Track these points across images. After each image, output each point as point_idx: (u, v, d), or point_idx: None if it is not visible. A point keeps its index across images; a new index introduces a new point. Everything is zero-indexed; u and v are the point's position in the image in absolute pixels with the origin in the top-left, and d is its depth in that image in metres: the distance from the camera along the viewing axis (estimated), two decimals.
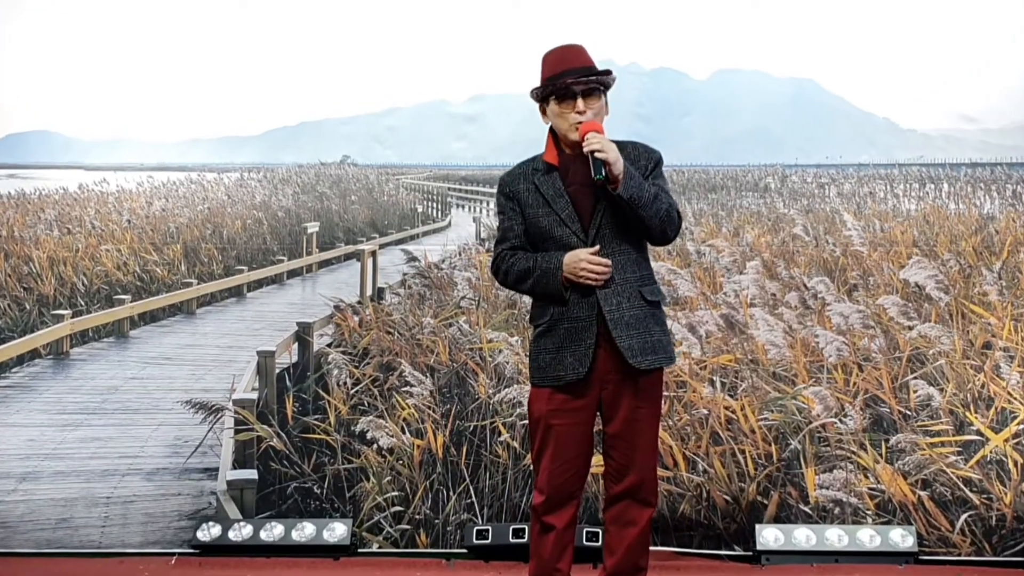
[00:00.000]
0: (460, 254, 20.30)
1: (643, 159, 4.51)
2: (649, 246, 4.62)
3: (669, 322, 8.55)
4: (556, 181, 4.47)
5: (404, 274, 17.26)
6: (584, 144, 4.33)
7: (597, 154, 4.27)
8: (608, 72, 4.49)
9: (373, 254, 18.39)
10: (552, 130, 4.57)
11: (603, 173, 4.27)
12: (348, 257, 31.69)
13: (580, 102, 4.41)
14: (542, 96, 4.54)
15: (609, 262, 4.34)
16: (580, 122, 4.42)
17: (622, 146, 4.51)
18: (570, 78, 4.42)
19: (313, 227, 29.77)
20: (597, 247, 4.35)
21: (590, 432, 4.52)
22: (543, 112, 4.58)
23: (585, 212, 4.42)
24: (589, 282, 4.29)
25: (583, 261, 4.31)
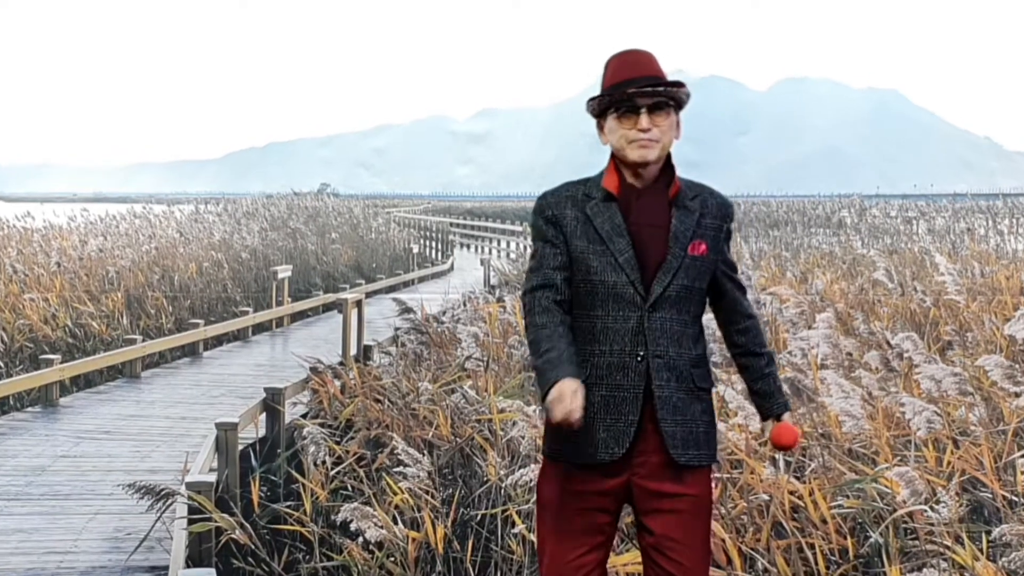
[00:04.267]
0: (465, 305, 20.47)
1: (719, 217, 4.50)
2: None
3: (721, 387, 8.62)
4: (616, 215, 4.41)
5: (396, 329, 17.39)
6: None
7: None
8: (681, 84, 4.49)
9: (358, 304, 18.53)
10: (614, 154, 4.58)
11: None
12: (328, 308, 31.69)
13: (644, 118, 4.41)
14: (600, 109, 4.56)
15: (579, 421, 4.31)
16: (644, 140, 4.43)
17: (699, 190, 4.54)
18: (634, 87, 4.44)
19: (284, 271, 29.78)
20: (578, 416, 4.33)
21: (611, 524, 4.53)
22: (600, 129, 4.58)
23: (650, 262, 4.40)
24: (561, 424, 4.29)
25: (562, 407, 4.13)
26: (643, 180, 4.43)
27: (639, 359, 4.33)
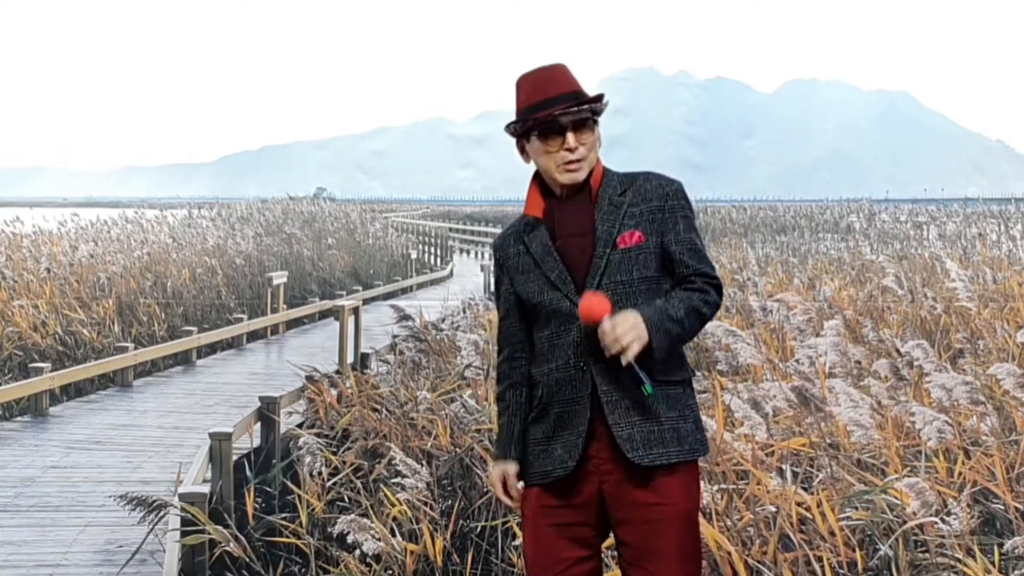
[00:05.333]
0: (464, 311, 20.49)
1: (656, 198, 4.50)
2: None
3: (727, 396, 8.62)
4: (543, 235, 4.49)
5: (394, 336, 17.39)
6: (604, 347, 4.37)
7: (625, 359, 4.23)
8: (600, 97, 4.50)
9: (355, 311, 18.54)
10: (537, 174, 4.60)
11: (651, 384, 4.32)
12: (324, 315, 31.76)
13: (571, 137, 4.43)
14: (522, 131, 4.57)
15: (511, 503, 4.65)
16: (569, 160, 4.44)
17: (632, 180, 4.55)
18: (556, 107, 4.44)
19: (280, 277, 29.83)
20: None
21: (592, 536, 4.53)
22: (521, 151, 4.60)
23: (579, 270, 4.44)
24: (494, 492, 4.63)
25: (497, 488, 4.60)
26: (566, 192, 4.49)
27: (583, 369, 4.37)
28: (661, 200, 4.44)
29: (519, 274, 4.49)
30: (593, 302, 4.26)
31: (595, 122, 4.47)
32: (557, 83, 4.43)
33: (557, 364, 4.39)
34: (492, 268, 4.72)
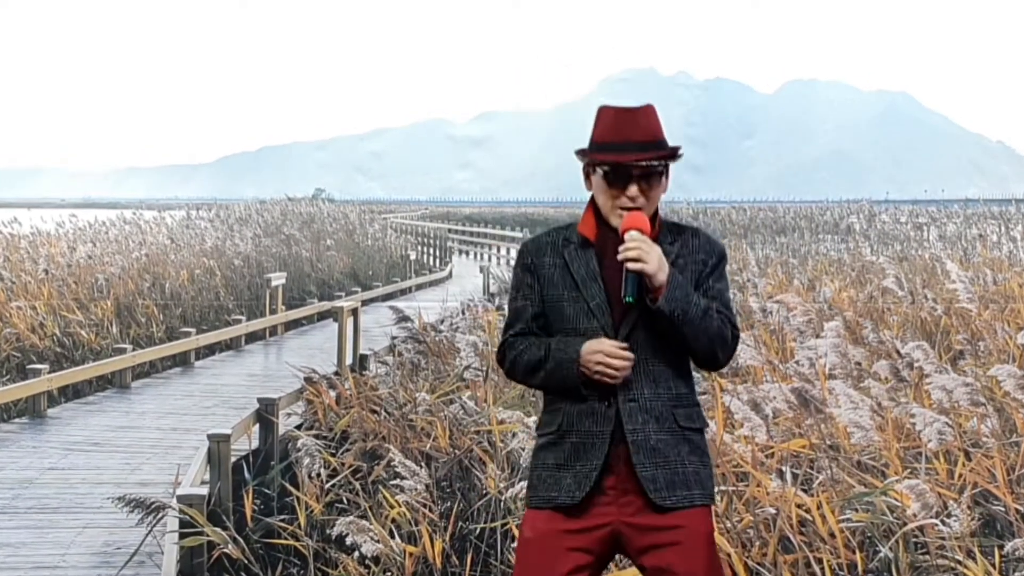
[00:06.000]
0: (463, 313, 20.49)
1: (702, 252, 4.49)
2: None
3: (727, 397, 8.62)
4: (591, 260, 4.45)
5: (393, 338, 17.39)
6: (620, 249, 4.31)
7: (631, 265, 4.27)
8: (675, 151, 4.45)
9: (354, 313, 18.54)
10: (594, 199, 4.57)
11: (634, 295, 4.27)
12: (323, 316, 31.74)
13: (634, 188, 4.37)
14: (587, 165, 4.54)
15: (631, 355, 4.35)
16: (628, 208, 4.41)
17: (680, 232, 4.53)
18: (627, 155, 4.41)
19: (278, 278, 29.82)
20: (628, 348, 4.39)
21: (592, 565, 4.52)
22: (587, 177, 4.58)
23: (620, 305, 4.41)
24: (605, 379, 4.32)
25: (600, 353, 4.32)
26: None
27: (608, 404, 4.36)
28: (708, 255, 4.47)
29: (552, 287, 4.45)
30: (639, 216, 4.33)
31: (664, 174, 4.46)
32: (638, 129, 4.39)
33: (580, 393, 4.40)
34: (514, 271, 4.64)
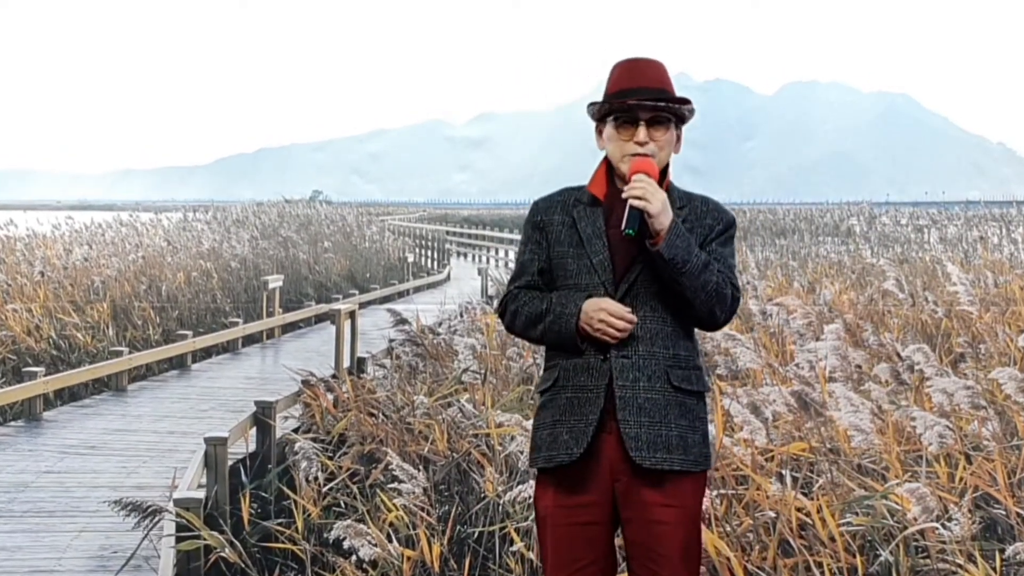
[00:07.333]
0: (462, 315, 20.47)
1: (710, 218, 4.54)
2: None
3: (726, 400, 8.62)
4: (598, 219, 4.53)
5: (391, 341, 17.37)
6: (625, 188, 4.37)
7: (634, 202, 4.31)
8: (686, 100, 4.53)
9: (351, 315, 18.51)
10: (607, 157, 4.63)
11: (634, 228, 4.31)
12: (320, 319, 31.71)
13: (642, 130, 4.45)
14: (600, 114, 4.61)
15: (634, 318, 4.40)
16: (636, 154, 4.47)
17: (690, 199, 4.58)
18: (636, 98, 4.48)
19: (275, 281, 29.80)
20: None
21: (607, 536, 4.55)
22: (599, 133, 4.63)
23: (622, 261, 4.49)
24: (605, 338, 4.37)
25: (603, 311, 4.37)
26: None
27: (603, 359, 4.40)
28: (715, 222, 4.54)
29: (559, 244, 4.53)
30: (647, 161, 4.42)
31: (675, 123, 4.52)
32: (647, 76, 4.51)
33: (577, 347, 4.45)
34: (524, 227, 4.70)
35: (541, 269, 4.57)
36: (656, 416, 4.38)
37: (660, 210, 4.30)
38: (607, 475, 4.42)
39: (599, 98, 4.56)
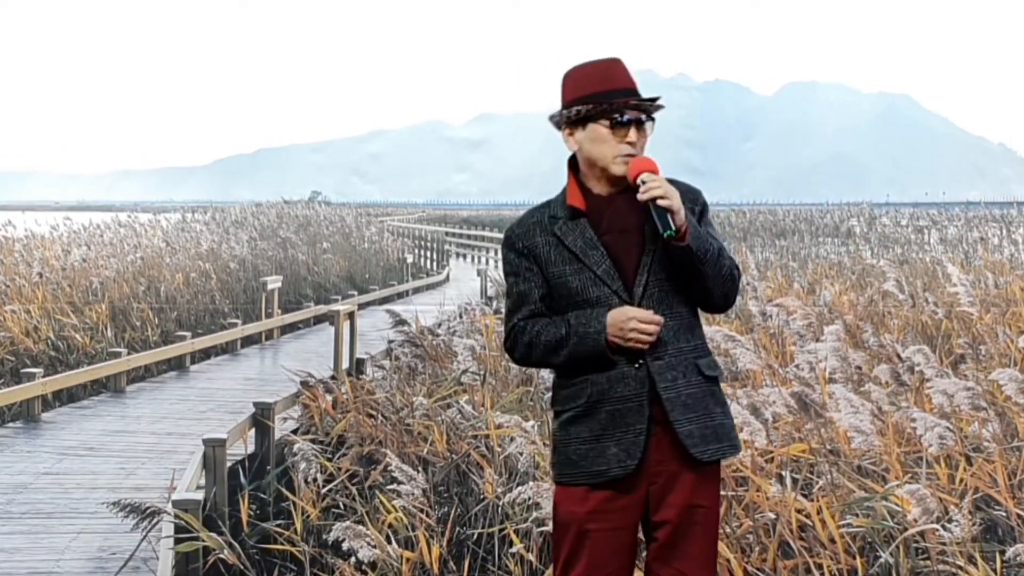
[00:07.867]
0: (461, 316, 20.46)
1: (687, 201, 4.53)
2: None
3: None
4: (586, 230, 4.48)
5: (390, 342, 17.37)
6: (641, 189, 4.34)
7: (661, 202, 4.28)
8: (657, 99, 4.58)
9: (350, 316, 18.51)
10: (573, 166, 4.59)
11: (673, 228, 4.28)
12: (319, 320, 31.76)
13: (634, 132, 4.46)
14: (580, 117, 4.56)
15: (661, 319, 4.38)
16: (630, 154, 4.46)
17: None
18: (625, 99, 4.47)
19: (274, 282, 29.82)
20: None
21: (633, 540, 4.55)
22: (571, 136, 4.58)
23: (628, 266, 4.46)
24: (639, 345, 4.34)
25: (632, 320, 4.34)
26: (611, 188, 4.50)
27: (638, 366, 4.39)
28: (692, 204, 4.53)
29: (552, 266, 4.48)
30: (646, 159, 4.43)
31: (650, 124, 4.57)
32: (627, 77, 4.54)
33: (609, 362, 4.42)
34: (505, 258, 4.63)
35: (543, 295, 4.53)
36: (699, 410, 4.42)
37: (680, 206, 4.31)
38: (644, 480, 4.41)
39: (590, 101, 4.53)
